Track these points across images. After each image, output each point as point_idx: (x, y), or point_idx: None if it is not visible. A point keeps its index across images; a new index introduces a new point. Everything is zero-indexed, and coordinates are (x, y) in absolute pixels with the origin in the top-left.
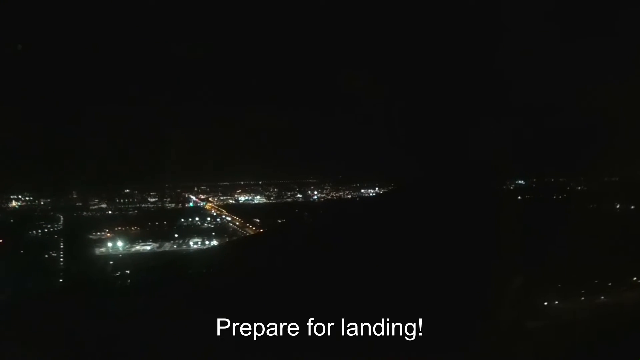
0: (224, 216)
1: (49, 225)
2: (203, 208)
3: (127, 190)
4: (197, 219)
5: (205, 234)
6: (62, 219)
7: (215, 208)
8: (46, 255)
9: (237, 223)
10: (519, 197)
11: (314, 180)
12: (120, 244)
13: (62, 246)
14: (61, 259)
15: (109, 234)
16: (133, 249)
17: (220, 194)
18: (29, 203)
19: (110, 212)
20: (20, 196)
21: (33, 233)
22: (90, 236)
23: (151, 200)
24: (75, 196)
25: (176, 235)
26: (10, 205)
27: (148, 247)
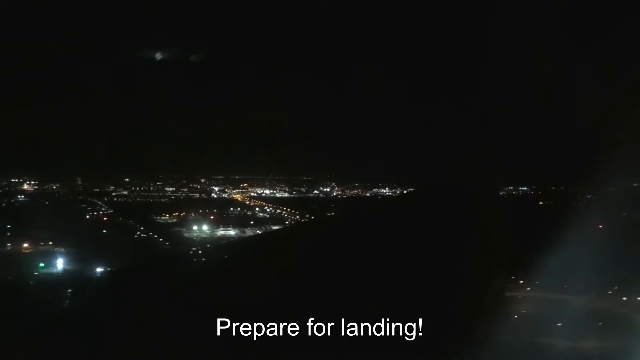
0: (270, 207)
1: (95, 209)
2: (233, 199)
3: (127, 179)
4: (244, 209)
5: (272, 222)
6: (99, 203)
7: (247, 199)
8: (135, 236)
9: (297, 216)
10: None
11: (309, 178)
12: (205, 228)
13: (141, 228)
14: (160, 240)
15: (173, 219)
16: (218, 234)
17: (231, 187)
18: (39, 187)
19: (139, 199)
20: (20, 180)
21: (89, 216)
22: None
23: (168, 189)
24: (79, 182)
25: (252, 222)
26: (23, 189)
27: (232, 232)
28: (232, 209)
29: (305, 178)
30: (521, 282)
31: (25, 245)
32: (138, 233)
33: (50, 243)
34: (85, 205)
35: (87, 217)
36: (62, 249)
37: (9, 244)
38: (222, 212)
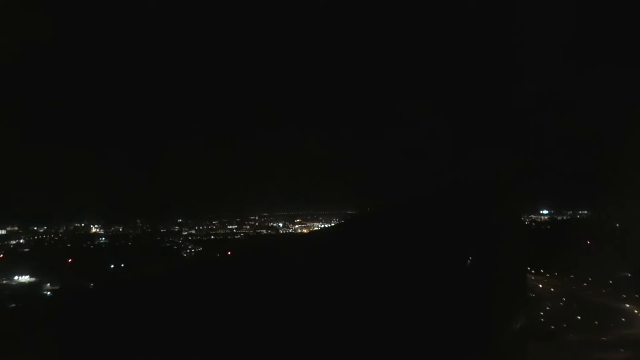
0: None
1: (180, 247)
2: (302, 234)
3: (180, 220)
4: None
5: None
6: (179, 242)
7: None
8: None
9: None
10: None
11: (352, 212)
12: None
13: None
14: None
15: None
16: None
17: (286, 222)
18: (105, 230)
19: (211, 236)
20: (83, 224)
21: (186, 254)
22: None
23: (231, 227)
24: (140, 224)
25: None
26: (93, 232)
27: None
28: None
29: (349, 212)
30: None
31: None
32: None
33: None
34: (169, 245)
35: (184, 255)
36: None
37: None
38: None
